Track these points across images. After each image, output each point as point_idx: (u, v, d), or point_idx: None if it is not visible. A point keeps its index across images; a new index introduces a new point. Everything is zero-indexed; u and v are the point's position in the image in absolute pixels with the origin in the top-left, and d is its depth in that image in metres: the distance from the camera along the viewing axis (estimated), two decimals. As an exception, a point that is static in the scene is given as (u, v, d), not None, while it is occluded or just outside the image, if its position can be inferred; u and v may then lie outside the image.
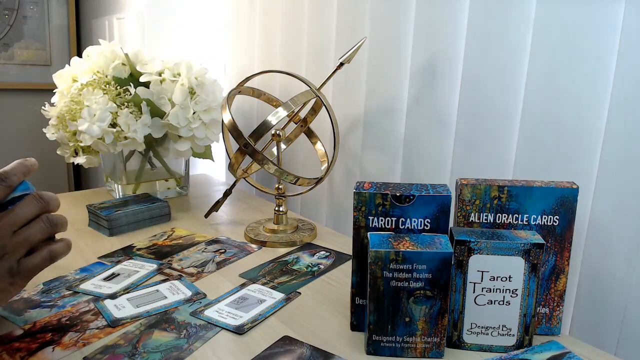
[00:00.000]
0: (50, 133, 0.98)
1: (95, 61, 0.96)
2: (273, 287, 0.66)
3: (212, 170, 1.39)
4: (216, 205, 0.92)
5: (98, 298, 0.62)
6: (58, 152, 1.01)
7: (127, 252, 0.78)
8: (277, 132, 0.82)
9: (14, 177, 0.45)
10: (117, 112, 0.90)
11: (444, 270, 0.48)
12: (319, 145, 0.93)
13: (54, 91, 0.99)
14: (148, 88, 0.94)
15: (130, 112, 0.91)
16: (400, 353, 0.51)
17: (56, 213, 0.49)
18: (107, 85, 0.92)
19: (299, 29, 1.02)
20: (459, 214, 0.55)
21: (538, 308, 0.55)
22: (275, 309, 0.61)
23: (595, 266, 0.62)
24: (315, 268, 0.73)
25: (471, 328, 0.52)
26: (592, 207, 0.62)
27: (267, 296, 0.64)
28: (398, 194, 0.53)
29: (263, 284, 0.67)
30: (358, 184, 0.55)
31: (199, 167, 1.41)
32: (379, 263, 0.49)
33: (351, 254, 0.56)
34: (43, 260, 0.47)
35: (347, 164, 0.96)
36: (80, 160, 0.97)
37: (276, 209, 0.87)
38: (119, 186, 1.04)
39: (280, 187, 0.86)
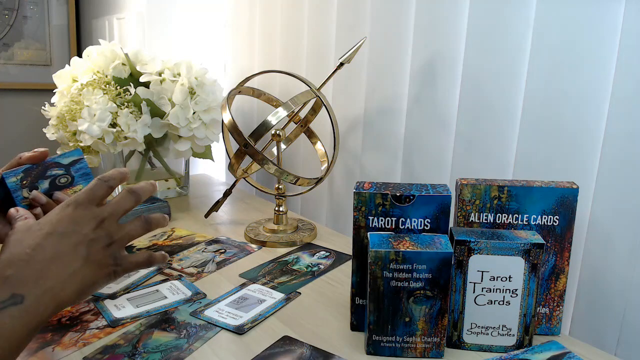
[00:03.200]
0: (50, 133, 0.98)
1: (95, 61, 0.95)
2: (273, 287, 0.66)
3: (212, 170, 1.39)
4: (216, 205, 0.92)
5: (98, 298, 0.62)
6: (58, 152, 1.01)
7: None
8: (277, 132, 0.82)
9: (115, 181, 0.51)
10: (117, 112, 0.90)
11: (444, 270, 0.48)
12: (319, 145, 0.93)
13: (54, 91, 0.99)
14: (148, 88, 0.94)
15: (130, 112, 0.91)
16: (400, 353, 0.51)
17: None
18: (107, 85, 0.92)
19: (299, 29, 1.02)
20: (459, 214, 0.55)
21: (538, 308, 0.55)
22: (275, 309, 0.61)
23: (595, 266, 0.62)
24: (315, 268, 0.73)
25: (471, 328, 0.52)
26: (592, 207, 0.62)
27: (267, 296, 0.64)
28: (398, 194, 0.53)
29: (263, 284, 0.67)
30: (358, 184, 0.55)
31: (199, 167, 1.41)
32: (379, 263, 0.49)
33: (351, 254, 0.56)
34: (143, 261, 0.52)
35: (347, 164, 0.96)
36: (80, 160, 0.96)
37: (276, 209, 0.87)
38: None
39: (280, 187, 0.86)
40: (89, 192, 0.49)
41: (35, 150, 0.60)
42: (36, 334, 0.45)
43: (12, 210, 0.52)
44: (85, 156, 0.96)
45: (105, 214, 0.49)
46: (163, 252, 0.55)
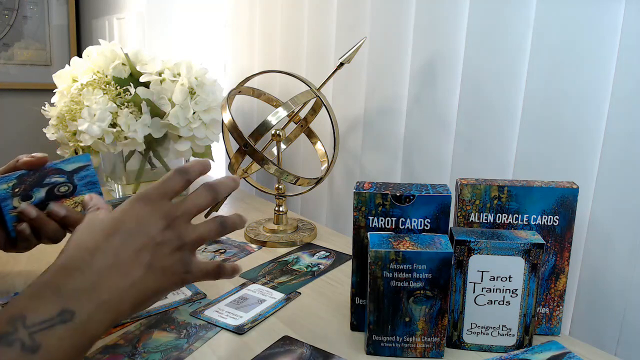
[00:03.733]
0: (50, 133, 0.98)
1: (95, 61, 0.95)
2: (273, 287, 0.66)
3: (212, 170, 1.39)
4: (216, 205, 0.92)
5: (98, 298, 0.62)
6: (58, 152, 1.01)
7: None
8: (277, 132, 0.82)
9: (192, 173, 0.46)
10: (117, 112, 0.90)
11: (444, 270, 0.48)
12: (319, 145, 0.93)
13: (54, 91, 0.99)
14: (148, 88, 0.94)
15: (130, 112, 0.91)
16: (400, 353, 0.51)
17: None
18: (107, 85, 0.92)
19: (299, 29, 1.02)
20: (459, 214, 0.55)
21: (538, 308, 0.55)
22: (275, 309, 0.61)
23: (595, 266, 0.62)
24: (315, 268, 0.73)
25: (471, 328, 0.52)
26: (592, 207, 0.62)
27: (267, 296, 0.64)
28: (398, 194, 0.53)
29: (263, 284, 0.67)
30: (358, 184, 0.55)
31: (199, 167, 1.40)
32: (379, 263, 0.49)
33: (351, 254, 0.56)
34: (213, 270, 0.46)
35: (347, 164, 0.96)
36: (80, 160, 0.96)
37: (276, 209, 0.87)
38: (119, 186, 1.04)
39: (280, 187, 0.86)
40: (163, 185, 0.44)
41: (33, 155, 0.55)
42: (87, 354, 0.40)
43: (86, 197, 0.48)
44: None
45: (178, 212, 0.43)
46: (234, 264, 0.48)
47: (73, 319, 0.37)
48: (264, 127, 0.73)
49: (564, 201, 0.53)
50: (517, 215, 0.54)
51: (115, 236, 0.41)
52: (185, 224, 0.44)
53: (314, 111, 0.90)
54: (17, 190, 0.54)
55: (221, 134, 0.93)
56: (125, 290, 0.40)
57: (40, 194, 0.55)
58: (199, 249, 0.79)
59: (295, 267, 0.73)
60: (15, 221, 0.55)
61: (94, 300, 0.38)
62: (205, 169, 0.47)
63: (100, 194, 0.59)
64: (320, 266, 0.74)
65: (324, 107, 0.81)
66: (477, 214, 0.54)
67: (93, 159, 0.98)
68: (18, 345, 0.34)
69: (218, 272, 0.47)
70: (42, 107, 0.99)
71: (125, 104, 0.92)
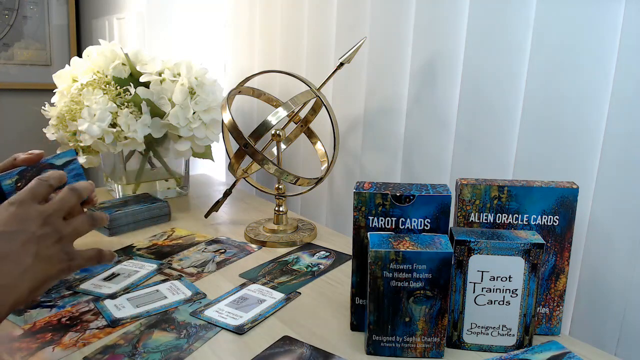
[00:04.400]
0: (50, 133, 0.98)
1: (95, 61, 0.96)
2: (273, 287, 0.66)
3: (212, 170, 1.39)
4: (216, 205, 0.92)
5: (98, 298, 0.62)
6: (58, 152, 1.01)
7: (127, 252, 0.78)
8: (277, 132, 0.82)
9: (52, 180, 0.52)
10: (117, 112, 0.90)
11: (444, 270, 0.48)
12: (319, 145, 0.93)
13: (54, 91, 0.99)
14: (148, 88, 0.94)
15: (130, 112, 0.91)
16: (400, 353, 0.51)
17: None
18: (107, 85, 0.92)
19: (299, 29, 1.02)
20: (459, 214, 0.55)
21: (538, 308, 0.55)
22: (275, 309, 0.61)
23: (595, 266, 0.62)
24: (315, 268, 0.73)
25: (471, 328, 0.52)
26: (592, 207, 0.62)
27: (267, 296, 0.64)
28: (398, 194, 0.53)
29: (263, 284, 0.67)
30: (358, 184, 0.55)
31: (199, 167, 1.41)
32: (379, 263, 0.49)
33: (351, 254, 0.56)
34: (94, 256, 0.55)
35: (347, 164, 0.96)
36: (80, 160, 0.97)
37: (276, 209, 0.87)
38: (119, 186, 1.04)
39: (280, 187, 0.86)
40: (30, 191, 0.50)
41: (31, 152, 0.61)
42: None
43: None
44: (85, 156, 0.97)
45: (50, 210, 0.50)
46: (112, 251, 0.57)
47: None
48: (264, 127, 0.73)
49: (564, 201, 0.53)
50: (517, 215, 0.54)
51: (2, 236, 0.47)
52: (59, 219, 0.51)
53: (314, 111, 0.90)
54: (19, 184, 0.59)
55: (221, 134, 0.93)
56: (18, 276, 0.46)
57: None
58: (198, 248, 0.79)
59: (295, 267, 0.73)
60: None
61: None
62: (62, 178, 0.54)
63: None
64: (320, 266, 0.74)
65: (324, 107, 0.81)
66: (477, 214, 0.54)
67: (93, 159, 0.98)
68: None
69: (99, 257, 0.55)
70: (42, 107, 0.99)
71: (125, 104, 0.92)
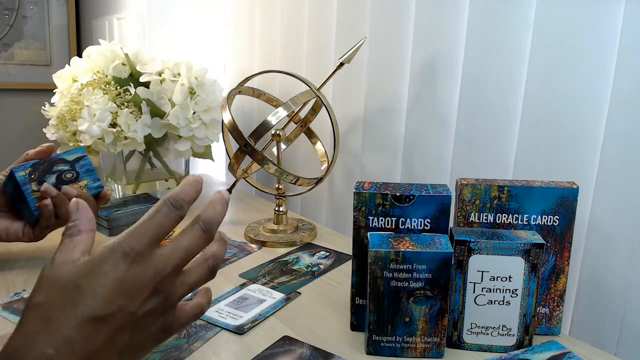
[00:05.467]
0: (50, 133, 0.98)
1: (95, 61, 0.95)
2: (273, 287, 0.66)
3: (212, 170, 1.39)
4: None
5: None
6: (58, 152, 1.01)
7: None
8: (277, 132, 0.82)
9: (186, 205, 0.36)
10: (117, 112, 0.90)
11: (444, 270, 0.48)
12: (319, 145, 0.93)
13: (54, 91, 0.99)
14: (148, 88, 0.94)
15: (130, 112, 0.91)
16: (400, 353, 0.51)
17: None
18: (107, 85, 0.92)
19: (299, 29, 1.02)
20: (459, 214, 0.55)
21: (538, 308, 0.55)
22: (275, 309, 0.61)
23: (595, 266, 0.62)
24: (315, 268, 0.73)
25: (471, 328, 0.52)
26: (592, 207, 0.62)
27: (267, 296, 0.64)
28: (398, 194, 0.53)
29: (263, 284, 0.67)
30: (358, 184, 0.55)
31: (199, 167, 1.41)
32: (379, 263, 0.49)
33: (351, 254, 0.56)
34: (195, 317, 0.39)
35: (347, 164, 0.96)
36: (80, 160, 0.97)
37: (276, 209, 0.87)
38: (119, 186, 1.04)
39: (280, 187, 0.86)
40: (152, 229, 0.34)
41: (42, 145, 0.64)
42: None
43: (71, 205, 0.36)
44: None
45: (169, 267, 0.34)
46: (209, 297, 0.42)
47: None
48: (264, 127, 0.73)
49: (564, 201, 0.53)
50: (517, 215, 0.54)
51: (90, 322, 0.31)
52: (174, 279, 0.35)
53: (314, 111, 0.90)
54: (33, 176, 0.63)
55: (221, 134, 0.93)
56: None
57: (52, 179, 0.65)
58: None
59: (295, 267, 0.73)
60: (36, 202, 0.64)
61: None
62: (198, 191, 0.37)
63: (97, 179, 0.69)
64: (320, 266, 0.74)
65: (324, 107, 0.81)
66: (477, 214, 0.54)
67: (93, 159, 0.98)
68: None
69: (199, 313, 0.40)
70: (42, 107, 0.99)
71: (125, 104, 0.92)
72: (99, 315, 0.31)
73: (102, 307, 0.31)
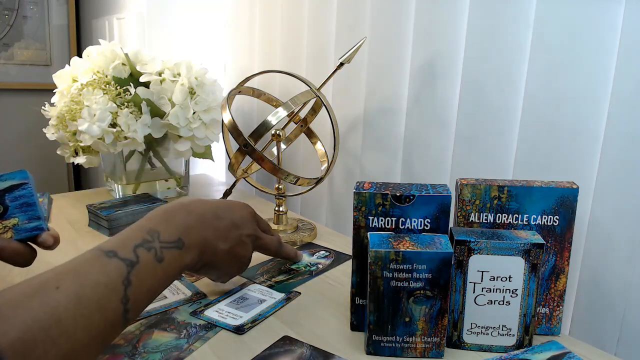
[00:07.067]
0: (50, 133, 0.98)
1: (95, 61, 0.95)
2: (270, 286, 0.66)
3: (212, 170, 1.39)
4: (216, 205, 0.92)
5: (98, 298, 0.62)
6: (58, 152, 1.01)
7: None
8: (277, 132, 0.82)
9: (285, 251, 0.70)
10: (117, 112, 0.90)
11: (444, 270, 0.48)
12: (319, 145, 0.93)
13: (54, 91, 0.99)
14: (148, 88, 0.94)
15: (130, 112, 0.91)
16: (400, 353, 0.51)
17: None
18: (107, 85, 0.92)
19: (299, 29, 1.02)
20: (459, 214, 0.55)
21: (538, 308, 0.55)
22: (275, 309, 0.61)
23: (595, 266, 0.62)
24: (314, 267, 0.73)
25: (471, 328, 0.52)
26: (592, 207, 0.62)
27: (267, 296, 0.64)
28: (398, 194, 0.53)
29: (260, 283, 0.67)
30: (358, 184, 0.55)
31: (199, 167, 1.41)
32: (379, 263, 0.49)
33: (351, 254, 0.56)
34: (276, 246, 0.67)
35: (347, 164, 0.96)
36: (80, 160, 0.97)
37: (276, 209, 0.87)
38: (119, 186, 1.04)
39: (280, 187, 0.86)
40: (264, 221, 0.64)
41: None
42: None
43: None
44: (85, 156, 0.97)
45: (258, 232, 0.61)
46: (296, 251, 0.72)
47: (183, 247, 0.49)
48: (264, 127, 0.73)
49: (564, 201, 0.53)
50: (517, 215, 0.54)
51: (227, 212, 0.57)
52: (255, 240, 0.61)
53: (314, 111, 0.90)
54: None
55: (221, 134, 0.93)
56: (214, 247, 0.53)
57: None
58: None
59: (293, 267, 0.73)
60: None
61: (197, 240, 0.51)
62: (295, 259, 0.72)
63: (38, 217, 0.52)
64: (319, 266, 0.74)
65: (324, 107, 0.81)
66: (477, 214, 0.54)
67: (93, 159, 0.98)
68: (153, 252, 0.45)
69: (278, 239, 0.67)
70: (42, 107, 0.99)
71: (125, 104, 0.92)
72: (236, 223, 0.57)
73: (238, 219, 0.58)
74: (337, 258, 0.78)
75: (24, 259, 0.53)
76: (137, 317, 0.53)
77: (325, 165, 0.88)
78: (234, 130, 0.75)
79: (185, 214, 0.52)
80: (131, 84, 0.93)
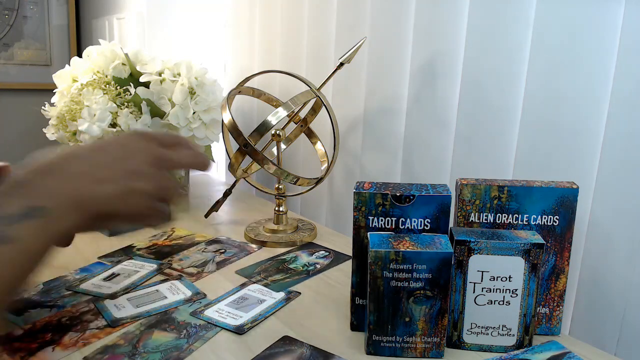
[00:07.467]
0: (50, 133, 0.98)
1: (95, 61, 0.95)
2: (266, 285, 0.66)
3: (212, 170, 1.39)
4: (216, 205, 0.92)
5: (98, 298, 0.62)
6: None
7: (127, 252, 0.78)
8: (277, 132, 0.82)
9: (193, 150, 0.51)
10: (117, 112, 0.90)
11: (444, 270, 0.48)
12: (319, 145, 0.93)
13: (54, 91, 0.99)
14: (148, 88, 0.94)
15: (130, 112, 0.91)
16: (400, 353, 0.51)
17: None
18: (107, 85, 0.92)
19: (299, 29, 1.02)
20: (459, 214, 0.55)
21: (538, 308, 0.55)
22: (275, 309, 0.61)
23: (595, 266, 0.62)
24: (311, 267, 0.73)
25: (471, 328, 0.52)
26: (592, 207, 0.62)
27: (267, 296, 0.64)
28: (398, 194, 0.53)
29: (257, 282, 0.67)
30: (358, 184, 0.55)
31: (199, 167, 1.40)
32: (379, 263, 0.49)
33: (351, 254, 0.56)
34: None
35: (347, 164, 0.96)
36: (80, 160, 0.96)
37: (276, 209, 0.87)
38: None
39: (280, 187, 0.86)
40: (161, 135, 0.48)
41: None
42: (66, 245, 0.45)
43: None
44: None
45: (164, 157, 0.47)
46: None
47: (44, 214, 0.39)
48: (264, 127, 0.73)
49: (564, 201, 0.53)
50: (517, 215, 0.54)
51: (99, 152, 0.45)
52: (164, 171, 0.48)
53: (314, 111, 0.90)
54: None
55: (221, 134, 0.93)
56: (94, 196, 0.43)
57: None
58: (198, 248, 0.79)
59: (291, 266, 0.73)
60: None
61: (62, 198, 0.41)
62: (202, 167, 0.52)
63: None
64: (317, 265, 0.74)
65: (324, 107, 0.81)
66: (477, 214, 0.54)
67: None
68: None
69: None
70: (42, 107, 0.99)
71: (125, 104, 0.92)
72: (104, 148, 0.46)
73: (107, 146, 0.46)
74: (336, 258, 0.78)
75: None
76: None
77: (325, 165, 0.88)
78: (234, 130, 0.75)
79: (37, 171, 0.43)
80: (131, 84, 0.93)
